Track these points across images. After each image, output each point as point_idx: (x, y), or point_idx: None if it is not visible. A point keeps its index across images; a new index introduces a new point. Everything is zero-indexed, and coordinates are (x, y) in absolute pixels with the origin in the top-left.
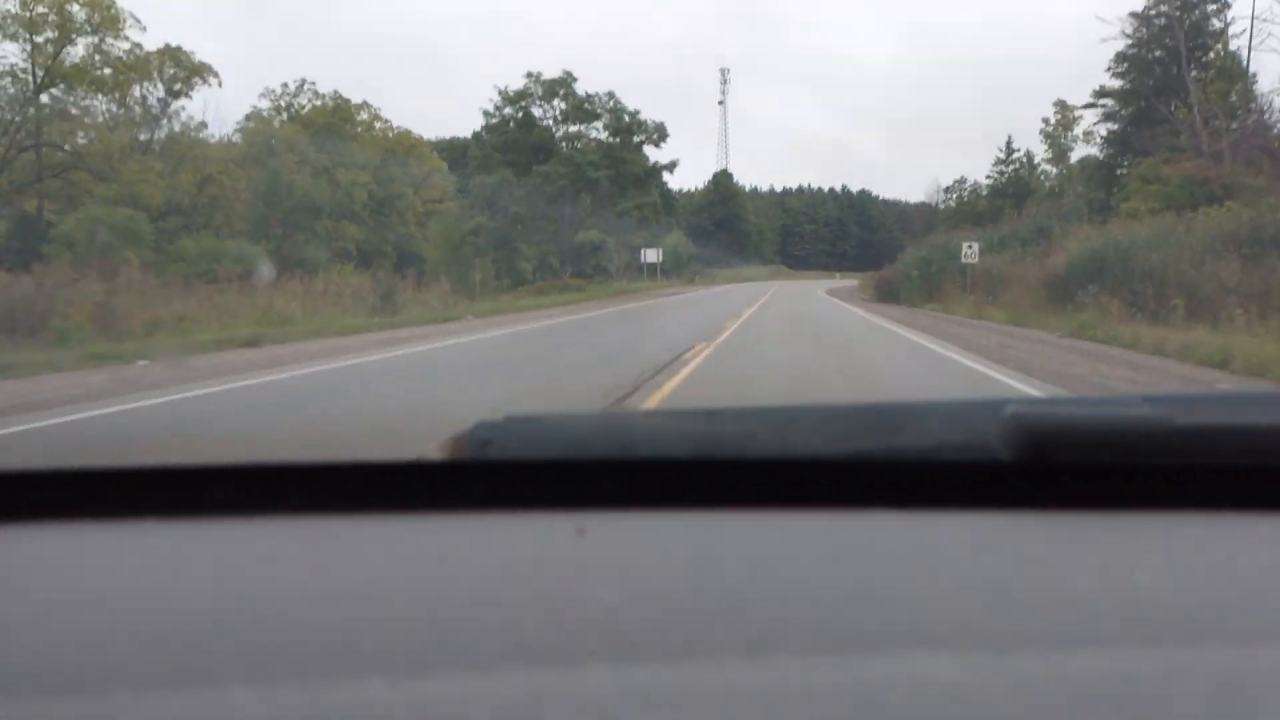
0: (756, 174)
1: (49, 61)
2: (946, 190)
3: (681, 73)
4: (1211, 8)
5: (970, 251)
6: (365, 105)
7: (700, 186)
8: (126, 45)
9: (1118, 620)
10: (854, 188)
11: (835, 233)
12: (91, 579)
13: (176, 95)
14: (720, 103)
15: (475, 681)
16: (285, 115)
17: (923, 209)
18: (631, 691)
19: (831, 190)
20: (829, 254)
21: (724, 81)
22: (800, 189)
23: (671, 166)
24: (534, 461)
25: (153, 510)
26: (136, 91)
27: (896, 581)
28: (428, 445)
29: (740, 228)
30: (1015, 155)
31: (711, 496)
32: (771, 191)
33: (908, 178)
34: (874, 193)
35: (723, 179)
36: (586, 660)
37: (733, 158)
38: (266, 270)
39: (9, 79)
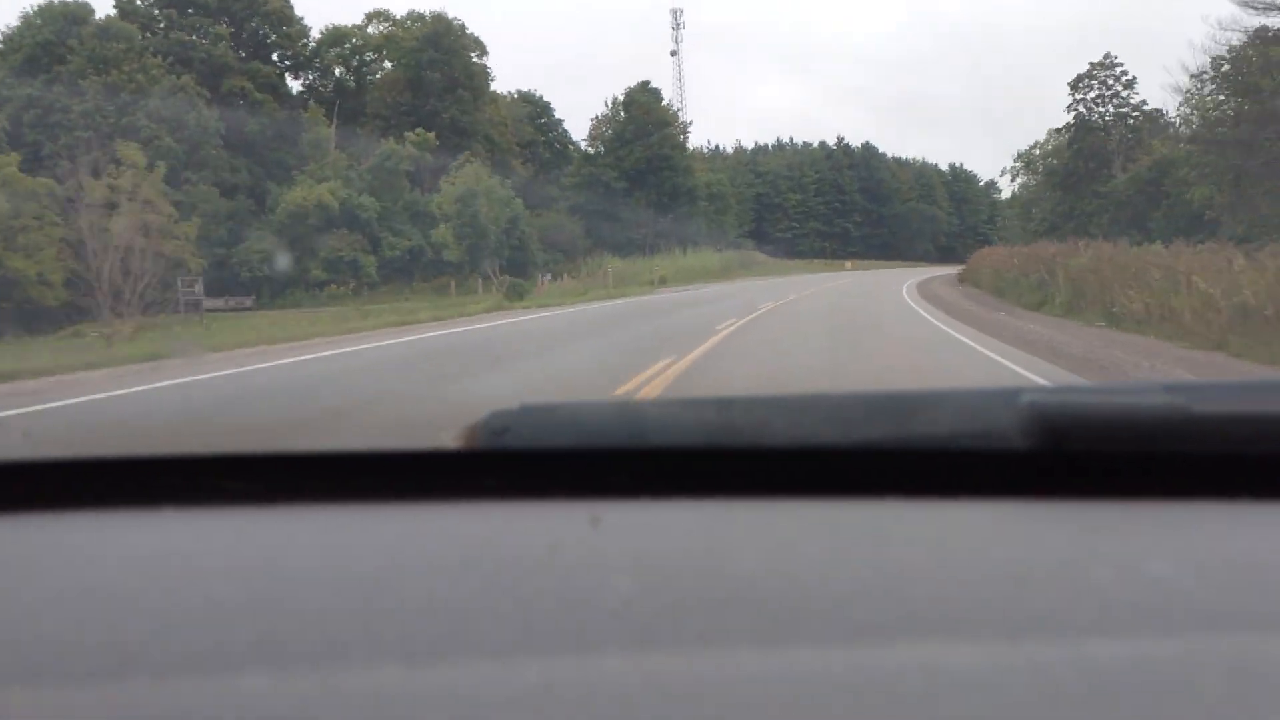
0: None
1: None
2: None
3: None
4: None
5: None
6: None
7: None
8: None
9: (1134, 609)
10: (854, 142)
11: (832, 204)
12: (110, 567)
13: None
14: (673, 53)
15: (490, 669)
16: None
17: (926, 172)
18: (646, 680)
19: (824, 146)
20: (823, 234)
21: (676, 26)
22: (780, 145)
23: None
24: (549, 450)
25: (170, 498)
26: None
27: (912, 570)
28: (443, 434)
29: (678, 185)
30: None
31: (726, 485)
32: (740, 150)
33: (916, 140)
34: (882, 150)
35: (641, 99)
36: (601, 648)
37: (697, 123)
38: None
39: None
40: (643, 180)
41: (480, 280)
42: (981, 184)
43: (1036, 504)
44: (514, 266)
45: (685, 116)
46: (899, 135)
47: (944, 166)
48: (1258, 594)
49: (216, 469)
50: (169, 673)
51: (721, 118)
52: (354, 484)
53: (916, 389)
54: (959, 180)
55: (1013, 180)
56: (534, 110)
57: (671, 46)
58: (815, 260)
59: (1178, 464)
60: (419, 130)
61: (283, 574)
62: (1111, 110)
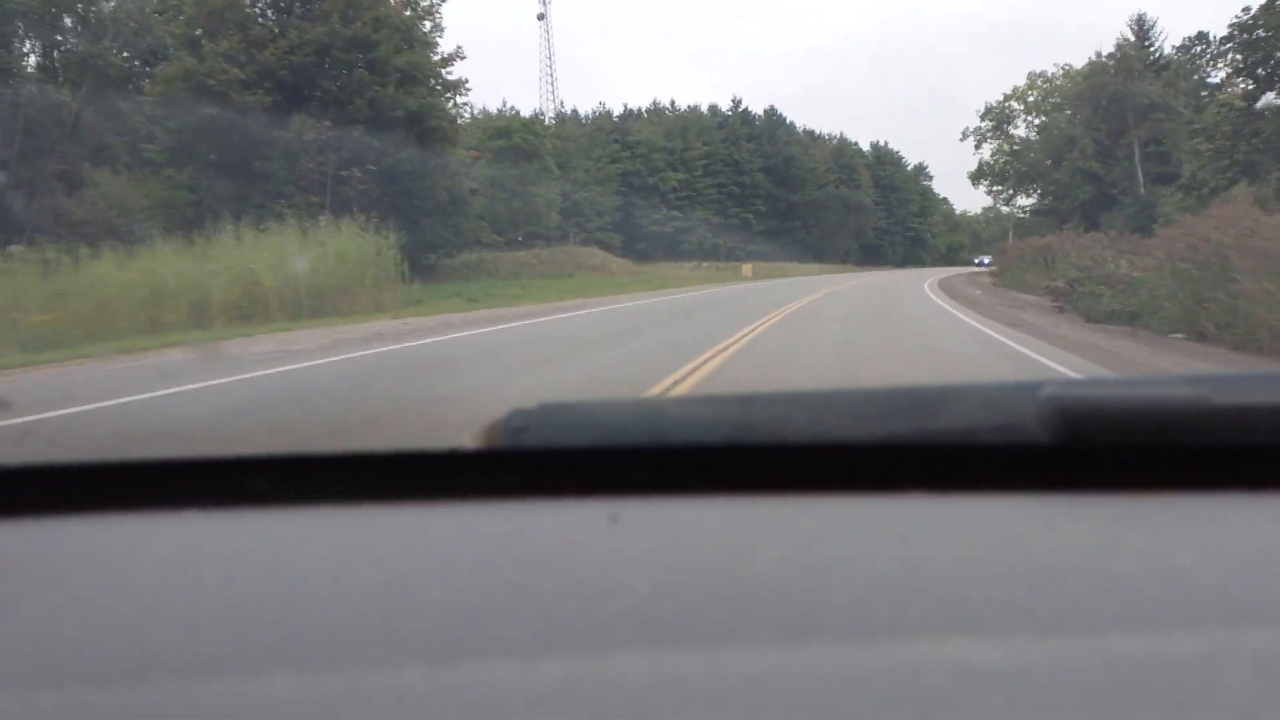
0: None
1: None
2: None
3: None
4: None
5: None
6: None
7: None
8: None
9: (1159, 603)
10: (756, 107)
11: (726, 188)
12: (133, 570)
13: None
14: (540, 16)
15: (511, 668)
16: None
17: (846, 150)
18: (666, 678)
19: (715, 111)
20: (716, 227)
21: None
22: (658, 108)
23: None
24: (568, 449)
25: (193, 501)
26: None
27: (933, 565)
28: (463, 433)
29: (383, 103)
30: None
31: (746, 482)
32: (603, 113)
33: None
34: (790, 119)
35: None
36: (621, 647)
37: (570, 96)
38: None
39: None
40: (311, 90)
41: None
42: (910, 168)
43: (1058, 498)
44: None
45: (555, 94)
46: (814, 114)
47: (865, 146)
48: None
49: (237, 471)
50: (193, 675)
51: (599, 99)
52: (374, 485)
53: (937, 384)
54: (884, 163)
55: (977, 148)
56: None
57: (539, 9)
58: (704, 264)
59: (1200, 456)
60: None
61: (303, 575)
62: None
